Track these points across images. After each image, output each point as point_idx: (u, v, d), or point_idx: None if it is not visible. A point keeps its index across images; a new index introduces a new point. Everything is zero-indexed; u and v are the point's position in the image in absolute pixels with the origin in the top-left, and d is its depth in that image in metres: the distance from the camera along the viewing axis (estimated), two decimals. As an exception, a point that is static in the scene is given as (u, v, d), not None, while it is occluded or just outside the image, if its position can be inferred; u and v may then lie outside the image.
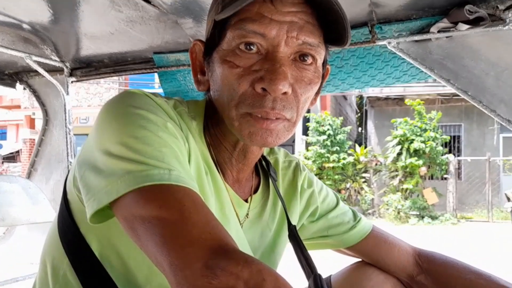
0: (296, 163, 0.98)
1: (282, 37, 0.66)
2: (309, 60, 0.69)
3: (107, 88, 14.32)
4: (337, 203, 1.01)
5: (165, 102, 0.69)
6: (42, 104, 1.99)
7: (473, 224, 9.68)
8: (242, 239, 0.80)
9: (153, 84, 12.97)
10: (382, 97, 12.94)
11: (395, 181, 10.34)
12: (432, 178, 10.93)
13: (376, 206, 10.94)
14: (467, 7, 1.07)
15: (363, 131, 15.37)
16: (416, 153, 10.03)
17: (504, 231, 8.41)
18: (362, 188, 10.95)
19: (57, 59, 1.72)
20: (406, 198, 10.06)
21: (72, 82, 1.82)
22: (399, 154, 10.21)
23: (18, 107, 15.67)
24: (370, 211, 10.78)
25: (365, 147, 11.88)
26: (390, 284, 0.98)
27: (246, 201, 0.83)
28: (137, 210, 0.55)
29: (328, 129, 10.91)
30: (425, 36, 1.18)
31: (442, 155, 10.30)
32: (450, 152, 11.35)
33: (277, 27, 0.65)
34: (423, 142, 9.97)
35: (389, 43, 1.23)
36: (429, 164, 10.30)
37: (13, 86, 1.97)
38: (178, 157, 0.61)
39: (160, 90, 1.36)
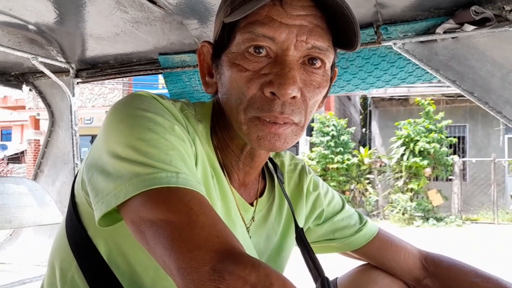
0: (302, 166, 0.98)
1: (291, 40, 0.65)
2: (318, 63, 0.69)
3: (111, 88, 14.37)
4: (343, 206, 1.01)
5: (172, 105, 0.69)
6: (48, 106, 1.99)
7: (478, 226, 9.63)
8: (248, 243, 0.80)
9: (157, 84, 13.01)
10: (386, 98, 12.89)
11: (400, 182, 10.30)
12: (437, 180, 10.89)
13: (381, 207, 10.90)
14: (473, 8, 1.06)
15: (367, 132, 15.32)
16: (421, 154, 9.99)
17: (510, 233, 8.36)
18: (366, 190, 10.92)
19: (63, 60, 1.72)
20: (411, 200, 10.01)
21: (77, 83, 1.83)
22: (403, 154, 10.17)
23: (23, 107, 15.73)
24: (374, 212, 10.75)
25: (369, 148, 11.85)
26: None
27: (251, 204, 0.83)
28: (144, 213, 0.55)
29: (332, 130, 10.89)
30: (430, 37, 1.17)
31: (447, 156, 10.25)
32: (455, 153, 11.29)
33: (286, 31, 0.65)
34: (428, 142, 9.92)
35: (395, 44, 1.23)
36: (434, 165, 10.25)
37: (19, 88, 1.97)
38: (185, 160, 0.61)
39: (164, 91, 1.37)
